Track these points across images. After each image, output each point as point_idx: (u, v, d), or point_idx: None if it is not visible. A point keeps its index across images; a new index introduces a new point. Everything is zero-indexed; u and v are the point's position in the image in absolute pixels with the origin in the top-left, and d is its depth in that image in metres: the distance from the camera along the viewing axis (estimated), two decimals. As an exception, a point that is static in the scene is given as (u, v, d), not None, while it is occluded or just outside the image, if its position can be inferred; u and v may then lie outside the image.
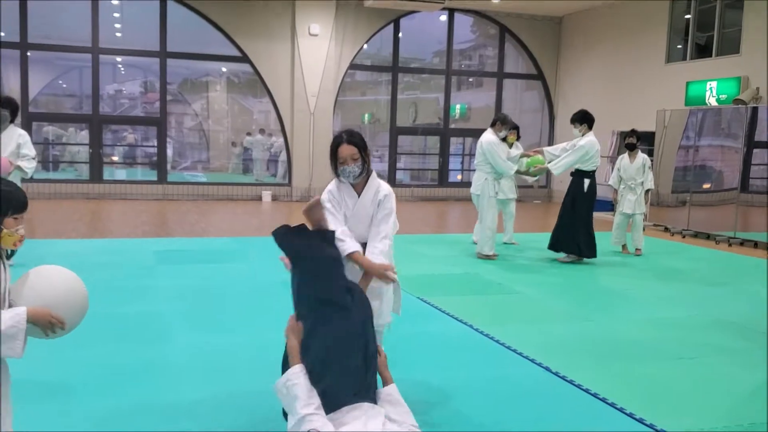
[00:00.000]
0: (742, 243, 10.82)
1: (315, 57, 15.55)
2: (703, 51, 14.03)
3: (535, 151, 8.78)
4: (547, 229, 8.55)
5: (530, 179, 9.68)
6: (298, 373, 2.79)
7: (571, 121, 8.53)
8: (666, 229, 12.33)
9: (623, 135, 9.86)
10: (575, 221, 8.40)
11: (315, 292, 3.04)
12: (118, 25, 15.98)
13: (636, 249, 9.39)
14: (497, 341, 5.05)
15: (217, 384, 3.99)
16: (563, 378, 4.27)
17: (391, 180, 17.27)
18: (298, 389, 2.73)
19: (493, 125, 8.63)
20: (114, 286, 6.41)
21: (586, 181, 8.39)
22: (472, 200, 9.87)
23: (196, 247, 8.93)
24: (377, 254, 3.50)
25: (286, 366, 2.95)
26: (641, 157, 9.38)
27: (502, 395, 4.01)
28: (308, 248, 3.15)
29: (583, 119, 8.41)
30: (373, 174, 3.70)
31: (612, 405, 3.86)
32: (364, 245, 3.59)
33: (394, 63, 17.22)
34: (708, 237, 11.45)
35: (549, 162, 8.50)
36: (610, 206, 14.24)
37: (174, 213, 12.95)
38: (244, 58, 15.59)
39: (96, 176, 15.28)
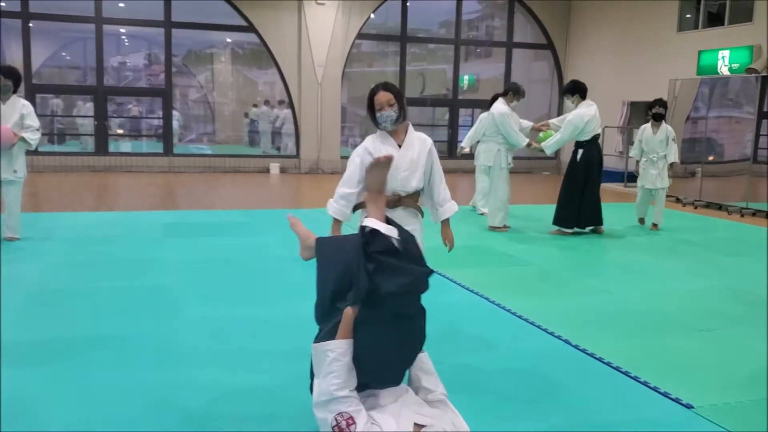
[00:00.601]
0: (754, 213, 10.69)
1: (322, 26, 15.32)
2: (714, 19, 13.76)
3: (545, 125, 8.63)
4: (555, 201, 8.42)
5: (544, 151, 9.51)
6: (344, 350, 2.57)
7: (563, 92, 8.37)
8: (677, 200, 12.19)
9: (645, 105, 9.48)
10: (572, 193, 8.18)
11: (396, 307, 2.61)
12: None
13: (653, 224, 8.98)
14: (514, 313, 4.98)
15: (229, 359, 3.92)
16: (584, 351, 4.19)
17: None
18: (338, 366, 2.54)
19: (504, 95, 8.48)
20: (122, 258, 6.34)
21: (579, 151, 8.19)
22: (476, 172, 9.77)
23: (205, 219, 8.85)
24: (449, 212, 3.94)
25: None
26: (665, 128, 8.93)
27: (521, 368, 3.94)
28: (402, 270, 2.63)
29: (574, 90, 8.20)
30: (411, 126, 3.76)
31: (635, 378, 3.78)
32: (406, 195, 3.75)
33: (402, 33, 16.96)
34: (720, 207, 11.33)
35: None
36: (620, 177, 14.15)
37: (181, 185, 12.87)
38: (250, 28, 15.38)
39: (101, 149, 15.17)
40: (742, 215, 10.69)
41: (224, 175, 14.83)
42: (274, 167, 15.66)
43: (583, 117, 8.01)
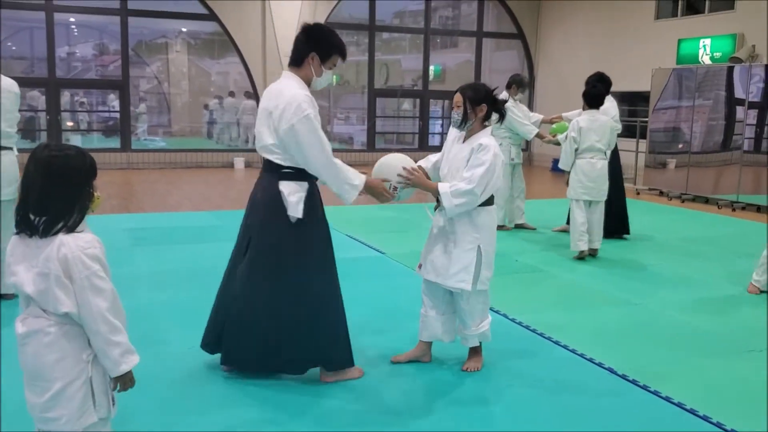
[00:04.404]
0: (745, 207, 10.40)
1: (288, 14, 14.52)
2: (693, 8, 13.46)
3: (557, 117, 8.14)
4: (533, 195, 7.86)
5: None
6: None
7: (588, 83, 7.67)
8: (661, 194, 11.88)
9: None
10: None
11: None
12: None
13: None
14: (527, 327, 4.48)
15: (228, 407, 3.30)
16: (633, 382, 3.68)
17: (370, 144, 16.50)
18: None
19: (508, 88, 7.97)
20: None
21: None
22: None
23: (174, 223, 8.13)
24: (446, 184, 3.49)
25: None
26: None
27: (543, 391, 3.42)
28: None
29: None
30: (485, 131, 3.62)
31: (667, 399, 3.38)
32: None
33: (370, 22, 16.30)
34: (707, 201, 11.02)
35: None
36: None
37: (141, 184, 12.05)
38: (211, 16, 14.54)
39: (54, 145, 14.17)
40: (734, 209, 10.38)
41: (186, 171, 14.01)
42: (239, 162, 14.90)
43: (609, 112, 7.31)
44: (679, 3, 13.66)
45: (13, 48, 16.97)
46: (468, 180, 3.43)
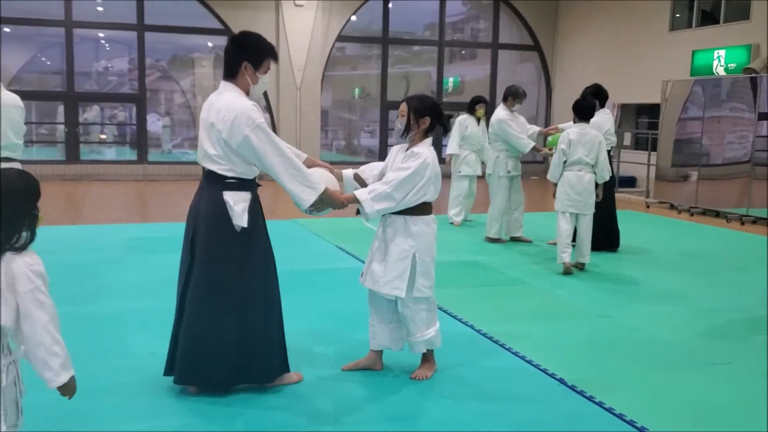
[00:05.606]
0: (755, 221, 10.20)
1: (301, 28, 14.75)
2: (709, 18, 13.31)
3: (554, 128, 8.09)
4: (548, 208, 7.80)
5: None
6: None
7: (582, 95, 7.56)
8: (672, 207, 11.71)
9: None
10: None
11: None
12: (99, -1, 15.11)
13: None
14: (491, 338, 4.47)
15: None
16: (580, 392, 3.65)
17: (382, 156, 16.57)
18: None
19: (504, 100, 7.96)
20: (71, 280, 5.72)
21: None
22: (456, 179, 9.21)
23: (174, 233, 8.22)
24: (365, 190, 3.53)
25: None
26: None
27: (481, 399, 3.40)
28: None
29: (595, 95, 7.44)
30: (425, 142, 3.65)
31: (609, 410, 3.34)
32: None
33: (384, 35, 16.43)
34: (717, 215, 10.84)
35: None
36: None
37: (154, 195, 12.27)
38: (225, 31, 14.79)
39: (72, 156, 14.53)
40: (743, 223, 10.19)
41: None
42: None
43: (603, 126, 7.29)
44: (694, 14, 13.52)
45: (48, 63, 17.43)
46: (386, 182, 3.49)
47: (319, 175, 3.54)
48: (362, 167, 3.88)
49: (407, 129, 3.62)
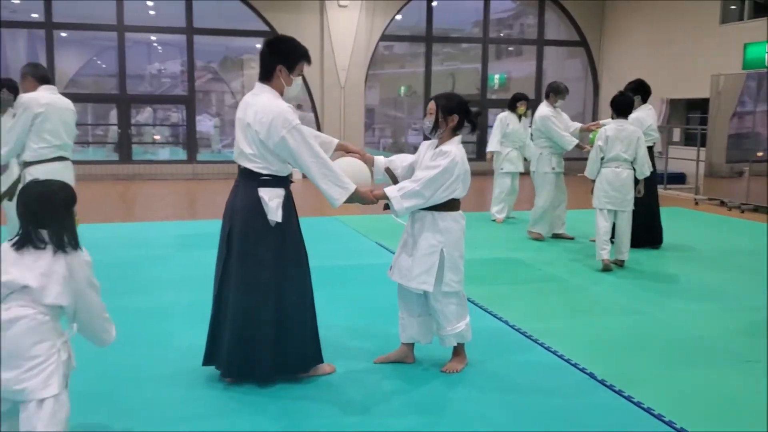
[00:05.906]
0: (808, 218, 9.93)
1: (345, 29, 14.92)
2: (762, 10, 12.98)
3: (595, 125, 8.04)
4: (592, 205, 7.75)
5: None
6: None
7: (625, 90, 7.48)
8: (722, 203, 11.47)
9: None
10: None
11: None
12: (150, 3, 15.53)
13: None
14: (524, 334, 4.51)
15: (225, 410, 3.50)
16: (609, 386, 3.67)
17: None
18: None
19: (546, 97, 7.96)
20: (120, 274, 5.96)
21: None
22: (498, 176, 9.22)
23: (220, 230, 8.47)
24: (395, 188, 3.62)
25: None
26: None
27: (509, 392, 3.46)
28: None
29: (637, 89, 7.41)
30: (454, 139, 3.72)
31: (638, 404, 3.30)
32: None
33: (428, 33, 16.49)
34: (770, 211, 10.57)
35: None
36: (659, 179, 13.43)
37: (202, 193, 12.58)
38: (271, 33, 15.06)
39: (125, 157, 15.00)
40: (795, 220, 9.93)
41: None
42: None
43: (644, 122, 7.20)
44: (746, 6, 13.20)
45: (103, 66, 18.02)
46: (416, 180, 3.58)
47: (348, 166, 3.70)
48: (393, 157, 3.97)
49: (435, 127, 3.70)
